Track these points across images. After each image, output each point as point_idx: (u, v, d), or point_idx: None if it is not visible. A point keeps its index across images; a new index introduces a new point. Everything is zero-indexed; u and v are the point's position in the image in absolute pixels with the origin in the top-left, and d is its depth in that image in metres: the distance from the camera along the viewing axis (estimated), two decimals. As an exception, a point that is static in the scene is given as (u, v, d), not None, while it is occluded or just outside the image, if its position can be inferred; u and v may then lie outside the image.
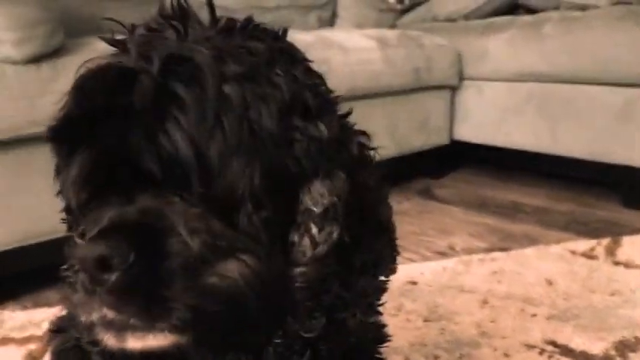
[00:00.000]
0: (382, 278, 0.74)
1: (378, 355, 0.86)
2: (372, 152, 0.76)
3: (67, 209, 0.73)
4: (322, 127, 0.67)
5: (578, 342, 1.49)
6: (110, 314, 0.57)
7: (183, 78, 0.59)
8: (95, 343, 0.70)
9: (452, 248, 2.25)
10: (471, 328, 1.58)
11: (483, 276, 1.93)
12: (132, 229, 0.58)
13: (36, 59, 1.73)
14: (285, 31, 0.73)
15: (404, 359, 1.42)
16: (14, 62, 1.70)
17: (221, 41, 0.65)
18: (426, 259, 2.13)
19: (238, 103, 0.60)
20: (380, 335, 0.84)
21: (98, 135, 0.60)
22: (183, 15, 0.67)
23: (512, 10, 3.53)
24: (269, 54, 0.66)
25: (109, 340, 0.59)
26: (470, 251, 2.20)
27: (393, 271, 0.75)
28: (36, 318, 1.73)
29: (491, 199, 2.94)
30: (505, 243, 2.30)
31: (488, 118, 3.18)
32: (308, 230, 0.66)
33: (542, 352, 1.45)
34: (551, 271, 1.94)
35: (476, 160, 3.54)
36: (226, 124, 0.59)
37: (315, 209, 0.66)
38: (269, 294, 0.63)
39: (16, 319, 1.73)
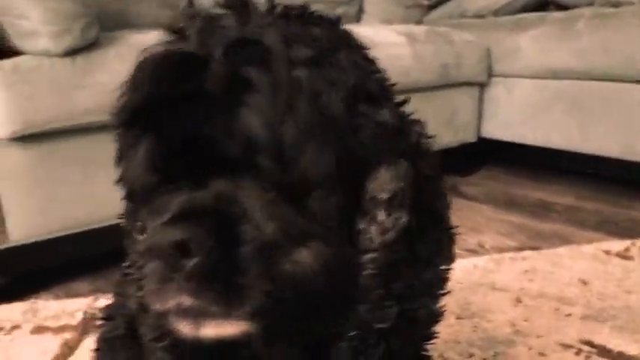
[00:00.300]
0: (443, 267, 0.73)
1: (423, 353, 0.85)
2: (428, 141, 0.75)
3: (129, 196, 0.72)
4: (386, 113, 0.67)
5: (615, 343, 1.46)
6: (188, 301, 0.56)
7: (252, 62, 0.58)
8: (161, 337, 0.71)
9: (481, 246, 2.23)
10: (505, 327, 1.56)
11: (515, 274, 1.90)
12: (207, 214, 0.57)
13: (72, 52, 1.75)
14: (339, 19, 0.73)
15: (438, 356, 1.41)
16: (51, 55, 1.72)
17: (283, 27, 0.64)
18: (455, 256, 2.11)
19: (308, 87, 0.59)
20: (429, 332, 0.83)
21: (169, 120, 0.59)
22: (241, 2, 0.66)
23: (543, 6, 3.48)
24: (330, 40, 0.66)
25: (185, 328, 0.59)
26: (500, 249, 2.18)
27: (452, 259, 0.74)
28: (69, 308, 1.76)
29: (520, 197, 2.91)
30: (535, 242, 2.27)
31: (517, 115, 3.14)
32: (375, 217, 0.66)
33: (578, 352, 1.43)
34: (585, 271, 1.91)
35: (503, 157, 3.50)
36: (299, 108, 0.58)
37: (381, 196, 0.66)
38: (339, 282, 0.62)
39: (49, 309, 1.76)
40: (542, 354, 1.43)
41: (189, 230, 0.55)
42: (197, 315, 0.57)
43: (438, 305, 0.74)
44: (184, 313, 0.57)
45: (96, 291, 1.89)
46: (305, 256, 0.59)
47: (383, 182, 0.66)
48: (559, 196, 2.91)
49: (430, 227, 0.70)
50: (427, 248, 0.70)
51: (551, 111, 2.98)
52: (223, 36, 0.60)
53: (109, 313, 0.97)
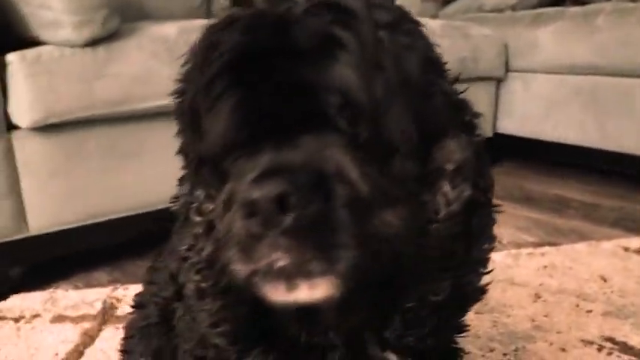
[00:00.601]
0: (486, 246, 0.73)
1: (454, 345, 0.85)
2: (479, 119, 0.75)
3: (200, 164, 0.68)
4: (449, 85, 0.68)
5: (638, 340, 1.45)
6: (283, 258, 0.55)
7: (338, 22, 0.58)
8: (218, 323, 0.71)
9: (499, 241, 2.19)
10: (525, 322, 1.55)
11: (534, 270, 1.89)
12: (302, 170, 0.56)
13: (93, 43, 1.75)
14: None
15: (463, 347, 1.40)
16: (73, 45, 1.72)
17: None
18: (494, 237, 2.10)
19: (391, 49, 0.60)
20: (459, 324, 0.82)
21: (262, 72, 0.58)
22: None
23: (560, 0, 3.45)
24: (400, 9, 0.66)
25: (275, 290, 0.57)
26: (517, 244, 2.17)
27: (494, 239, 0.74)
28: (88, 298, 1.77)
29: (537, 193, 2.89)
30: (553, 238, 2.25)
31: (534, 110, 3.11)
32: (440, 188, 0.66)
33: (600, 348, 1.42)
34: (605, 267, 1.89)
35: (519, 153, 3.48)
36: (385, 68, 0.59)
37: (447, 167, 0.66)
38: (415, 248, 0.62)
39: (69, 298, 1.77)
40: (563, 350, 1.42)
41: (287, 184, 0.54)
42: (291, 274, 0.56)
43: (482, 283, 0.73)
44: (277, 272, 0.56)
45: (114, 281, 1.90)
46: (391, 218, 0.59)
47: (449, 153, 0.66)
48: (576, 192, 2.89)
49: (480, 204, 0.70)
50: (478, 224, 0.70)
51: (568, 107, 2.96)
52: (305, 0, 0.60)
53: (140, 302, 0.97)
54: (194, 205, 0.71)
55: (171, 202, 0.78)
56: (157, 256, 0.98)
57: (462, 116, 0.70)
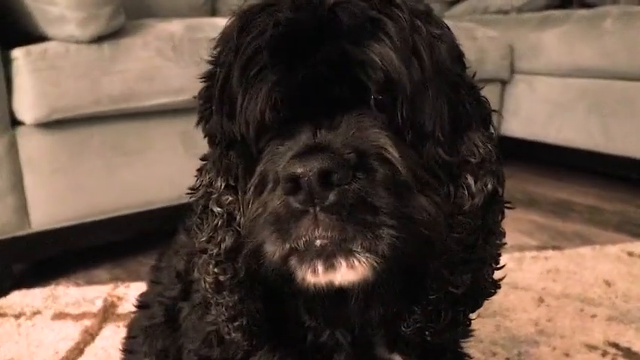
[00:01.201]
0: (498, 241, 0.74)
1: (460, 350, 0.84)
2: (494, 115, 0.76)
3: (231, 144, 0.68)
4: (472, 79, 0.70)
5: (642, 346, 1.44)
6: (324, 236, 0.54)
7: (378, 7, 0.60)
8: (235, 317, 0.71)
9: (502, 244, 2.20)
10: (528, 326, 1.54)
11: (537, 274, 1.88)
12: (345, 148, 0.56)
13: (98, 39, 1.75)
14: None
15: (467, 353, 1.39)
16: (78, 41, 1.72)
17: None
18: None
19: (425, 37, 0.62)
20: (465, 329, 0.82)
21: (300, 54, 0.59)
22: None
23: (567, 3, 3.44)
24: (427, 4, 0.68)
25: (314, 270, 0.56)
26: (520, 248, 2.15)
27: (504, 234, 0.75)
28: (89, 295, 1.76)
29: (541, 196, 2.88)
30: (556, 241, 2.24)
31: (538, 113, 3.10)
32: (465, 181, 0.67)
33: (604, 353, 1.41)
34: (609, 271, 1.88)
35: (523, 156, 3.46)
36: (421, 53, 0.60)
37: (472, 160, 0.67)
38: (444, 238, 0.62)
39: (70, 295, 1.76)
40: (566, 354, 1.41)
41: (332, 161, 0.53)
42: (331, 253, 0.55)
43: (495, 278, 0.75)
44: (317, 251, 0.55)
45: (115, 279, 1.90)
46: (425, 203, 0.59)
47: (473, 146, 0.67)
48: (580, 196, 2.87)
49: (495, 199, 0.70)
50: (492, 219, 0.71)
51: (573, 110, 2.94)
52: None
53: (144, 302, 0.96)
54: (214, 195, 0.71)
55: (188, 194, 0.77)
56: (160, 255, 0.97)
57: (481, 110, 0.72)
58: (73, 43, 1.72)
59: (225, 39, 0.66)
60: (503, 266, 0.76)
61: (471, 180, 0.67)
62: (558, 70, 2.99)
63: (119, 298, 1.73)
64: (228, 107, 0.64)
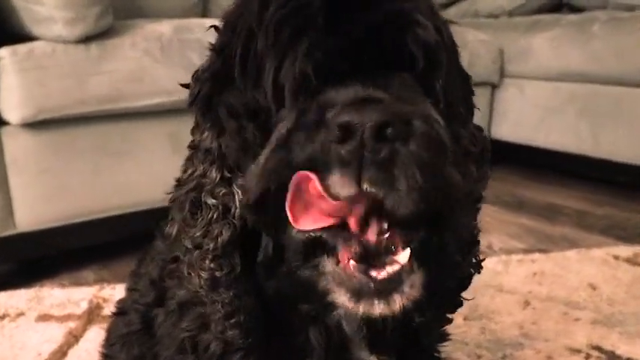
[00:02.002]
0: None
1: (437, 355, 0.84)
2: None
3: (253, 115, 0.64)
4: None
5: (625, 349, 1.45)
6: (375, 188, 0.52)
7: None
8: (232, 314, 0.70)
9: (490, 247, 2.21)
10: (513, 329, 1.55)
11: (523, 277, 1.89)
12: (396, 105, 0.54)
13: (86, 39, 1.74)
14: None
15: (446, 357, 1.39)
16: (65, 41, 1.71)
17: None
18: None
19: (442, 20, 0.66)
20: (442, 333, 0.82)
21: (338, 14, 0.58)
22: None
23: (557, 8, 3.46)
24: None
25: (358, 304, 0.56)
26: (508, 251, 2.16)
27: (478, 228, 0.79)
28: (74, 297, 1.75)
29: (529, 199, 2.89)
30: (544, 244, 2.25)
31: (528, 117, 3.12)
32: (468, 169, 0.69)
33: (587, 357, 1.41)
34: (594, 275, 1.89)
35: (513, 159, 3.48)
36: (443, 29, 0.64)
37: (473, 149, 0.70)
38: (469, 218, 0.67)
39: (55, 297, 1.75)
40: (550, 358, 1.41)
41: (390, 114, 0.51)
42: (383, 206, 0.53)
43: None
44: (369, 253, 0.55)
45: (101, 281, 1.89)
46: (456, 175, 0.58)
47: (474, 135, 0.70)
48: (568, 199, 2.89)
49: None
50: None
51: (563, 114, 2.96)
52: None
53: (121, 308, 0.96)
54: (208, 187, 0.68)
55: (174, 186, 0.75)
56: (139, 261, 0.97)
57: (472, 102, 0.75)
58: (60, 43, 1.71)
59: (242, 5, 0.65)
60: (483, 258, 0.81)
61: (473, 168, 0.69)
62: (548, 75, 3.01)
63: (105, 300, 1.72)
64: (254, 74, 0.61)
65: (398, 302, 0.56)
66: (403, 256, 0.58)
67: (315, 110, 0.56)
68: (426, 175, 0.53)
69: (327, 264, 0.59)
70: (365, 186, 0.52)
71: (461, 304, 0.80)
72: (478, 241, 0.78)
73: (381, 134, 0.51)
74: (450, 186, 0.56)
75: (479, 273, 0.79)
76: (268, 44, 0.59)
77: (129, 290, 0.96)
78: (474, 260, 0.78)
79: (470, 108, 0.73)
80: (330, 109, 0.54)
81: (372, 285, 0.56)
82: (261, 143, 0.61)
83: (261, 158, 0.58)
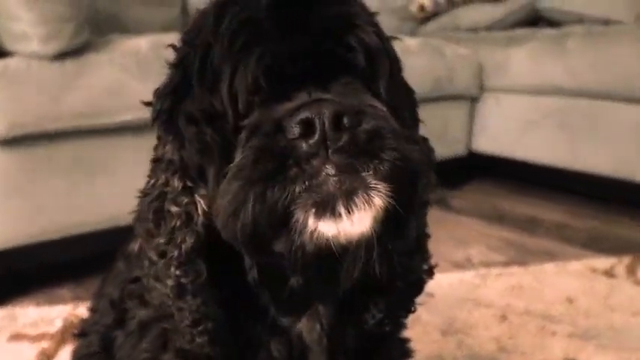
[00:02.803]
0: None
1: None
2: None
3: (210, 120, 0.67)
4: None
5: (600, 362, 1.46)
6: (339, 174, 0.55)
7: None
8: (200, 321, 0.71)
9: (469, 260, 2.22)
10: (490, 344, 1.55)
11: (501, 290, 1.89)
12: (343, 101, 0.58)
13: (61, 55, 1.73)
14: None
15: (420, 373, 1.39)
16: (40, 58, 1.70)
17: None
18: (442, 270, 2.09)
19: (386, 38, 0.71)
20: (404, 350, 0.82)
21: (288, 23, 0.63)
22: None
23: (534, 22, 3.51)
24: None
25: (332, 211, 0.56)
26: (487, 264, 2.17)
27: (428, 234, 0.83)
28: (49, 315, 1.73)
29: (509, 212, 2.91)
30: (523, 257, 2.26)
31: (507, 130, 3.14)
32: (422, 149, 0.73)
33: (563, 371, 1.42)
34: (571, 288, 1.90)
35: (493, 172, 3.50)
36: (385, 40, 0.69)
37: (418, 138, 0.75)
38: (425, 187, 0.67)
39: (28, 316, 1.72)
40: (526, 372, 1.42)
41: (341, 106, 0.56)
42: (348, 192, 0.55)
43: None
44: (334, 191, 0.55)
45: (77, 298, 1.86)
46: (415, 149, 0.61)
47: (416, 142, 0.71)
48: (548, 212, 2.91)
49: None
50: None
51: (541, 127, 2.99)
52: None
53: (83, 329, 0.95)
54: (170, 196, 0.70)
55: (137, 197, 0.76)
56: (102, 281, 0.96)
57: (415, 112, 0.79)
58: (35, 59, 1.70)
59: (199, 23, 0.69)
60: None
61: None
62: (526, 88, 3.04)
63: (80, 318, 1.69)
64: (211, 82, 0.65)
65: (366, 215, 0.57)
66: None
67: (269, 118, 0.59)
68: (388, 152, 0.57)
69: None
70: (335, 170, 0.56)
71: (414, 310, 0.82)
72: (426, 248, 0.80)
73: (339, 124, 0.56)
74: (411, 159, 0.59)
75: (431, 279, 0.81)
76: (223, 54, 0.64)
77: (90, 311, 0.95)
78: (425, 267, 0.80)
79: (415, 119, 0.77)
80: (283, 114, 0.58)
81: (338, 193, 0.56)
82: (221, 146, 0.65)
83: (229, 187, 0.59)
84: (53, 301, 1.85)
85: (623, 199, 2.89)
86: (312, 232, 0.56)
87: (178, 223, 0.69)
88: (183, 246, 0.69)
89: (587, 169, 2.85)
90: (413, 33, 3.87)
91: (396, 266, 0.70)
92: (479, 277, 2.00)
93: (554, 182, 3.16)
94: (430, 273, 0.81)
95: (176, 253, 0.69)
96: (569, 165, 2.91)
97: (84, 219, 1.93)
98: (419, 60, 2.86)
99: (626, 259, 2.15)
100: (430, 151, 0.76)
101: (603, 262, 2.14)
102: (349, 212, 0.55)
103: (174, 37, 0.70)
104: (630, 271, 2.06)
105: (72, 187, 1.86)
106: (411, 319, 1.69)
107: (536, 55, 2.95)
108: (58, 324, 1.66)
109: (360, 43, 0.64)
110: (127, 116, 1.88)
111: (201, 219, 0.69)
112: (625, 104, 2.67)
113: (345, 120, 0.55)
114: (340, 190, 0.55)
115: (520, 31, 3.25)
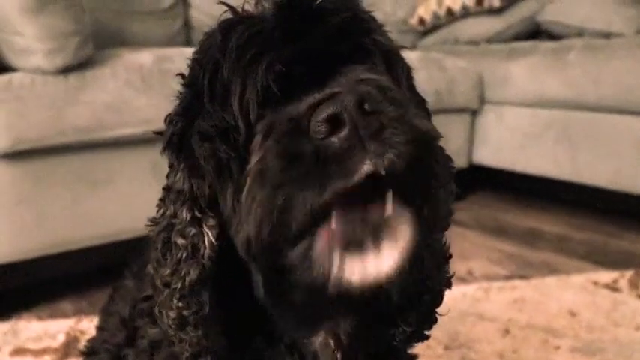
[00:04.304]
0: None
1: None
2: None
3: (224, 133, 0.66)
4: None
5: (604, 377, 1.45)
6: (381, 158, 0.53)
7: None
8: (200, 353, 0.70)
9: (471, 273, 2.22)
10: (493, 358, 1.55)
11: (504, 304, 1.89)
12: (362, 84, 0.57)
13: (65, 70, 1.74)
14: None
15: (425, 388, 1.39)
16: (44, 72, 1.71)
17: None
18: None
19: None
20: (411, 356, 0.82)
21: (296, 30, 0.63)
22: None
23: (534, 35, 3.53)
24: None
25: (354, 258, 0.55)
26: (489, 277, 2.17)
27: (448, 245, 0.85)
28: (52, 329, 1.72)
29: (510, 225, 2.91)
30: (524, 270, 2.26)
31: (508, 143, 3.16)
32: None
33: (566, 386, 1.42)
34: (574, 301, 1.90)
35: (494, 185, 3.51)
36: (387, 37, 0.70)
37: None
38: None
39: (31, 330, 1.72)
40: (529, 387, 1.41)
41: (360, 93, 0.54)
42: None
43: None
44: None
45: (79, 312, 1.86)
46: (431, 127, 0.61)
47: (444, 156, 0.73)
48: (549, 224, 2.91)
49: None
50: None
51: (541, 139, 3.00)
52: None
53: (91, 348, 0.94)
54: (178, 227, 0.70)
55: (147, 226, 0.76)
56: (109, 298, 0.96)
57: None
58: (39, 73, 1.71)
59: (206, 43, 0.69)
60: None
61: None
62: (526, 101, 3.05)
63: (82, 332, 1.69)
64: (221, 97, 0.65)
65: (392, 255, 0.55)
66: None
67: (285, 122, 0.58)
68: (410, 129, 0.56)
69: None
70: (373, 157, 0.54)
71: (436, 321, 0.82)
72: (450, 256, 0.81)
73: (364, 111, 0.54)
74: (428, 133, 0.60)
75: (449, 289, 0.81)
76: (232, 68, 0.64)
77: (99, 329, 0.95)
78: (446, 276, 0.80)
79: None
80: (301, 111, 0.57)
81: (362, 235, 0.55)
82: (237, 164, 0.64)
83: (255, 196, 0.58)
84: (56, 315, 1.85)
85: (624, 211, 2.89)
86: (337, 273, 0.55)
87: (184, 255, 0.70)
88: (187, 278, 0.69)
89: (587, 182, 2.85)
90: (413, 46, 3.90)
91: (425, 280, 0.70)
92: (481, 290, 2.00)
93: (555, 194, 3.17)
94: (448, 283, 0.81)
95: (179, 284, 0.70)
96: (570, 177, 2.92)
97: (87, 232, 1.93)
98: (419, 73, 2.85)
99: (628, 273, 2.15)
100: (449, 159, 0.75)
101: (605, 275, 2.14)
102: (377, 249, 0.54)
103: (177, 52, 0.71)
104: (633, 284, 2.05)
105: (76, 201, 1.87)
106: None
107: (537, 68, 2.97)
108: (60, 338, 1.66)
109: (376, 45, 0.64)
110: (131, 130, 1.89)
111: (207, 251, 0.69)
112: (625, 117, 2.68)
113: (367, 105, 0.54)
114: (367, 227, 0.54)
115: (520, 44, 3.27)
